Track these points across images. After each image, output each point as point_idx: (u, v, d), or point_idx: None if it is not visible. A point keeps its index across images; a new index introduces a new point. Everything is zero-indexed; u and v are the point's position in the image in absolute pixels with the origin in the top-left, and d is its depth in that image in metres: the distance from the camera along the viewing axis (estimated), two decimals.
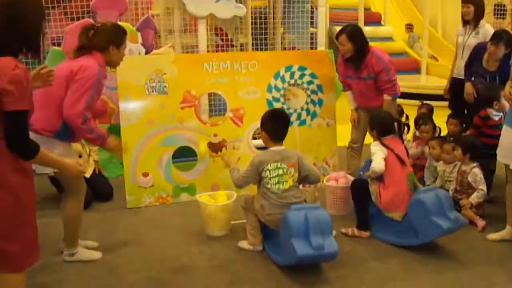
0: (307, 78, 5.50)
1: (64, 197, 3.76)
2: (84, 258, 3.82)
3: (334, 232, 4.02)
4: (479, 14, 5.65)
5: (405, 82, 9.12)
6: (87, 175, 4.97)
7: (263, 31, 6.89)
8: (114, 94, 5.46)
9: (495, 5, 9.90)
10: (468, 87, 5.35)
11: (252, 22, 6.84)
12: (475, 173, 4.51)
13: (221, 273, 3.70)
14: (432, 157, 5.00)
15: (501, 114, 4.83)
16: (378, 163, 4.15)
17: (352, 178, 4.69)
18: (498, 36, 5.14)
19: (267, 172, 3.86)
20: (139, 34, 6.12)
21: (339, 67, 5.27)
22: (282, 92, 5.44)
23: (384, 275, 3.66)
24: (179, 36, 6.27)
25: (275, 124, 4.00)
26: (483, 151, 4.61)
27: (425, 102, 6.43)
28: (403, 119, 6.00)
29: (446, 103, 6.14)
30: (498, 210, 4.57)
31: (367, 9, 12.75)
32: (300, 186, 4.07)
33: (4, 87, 2.41)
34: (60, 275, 3.64)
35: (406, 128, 5.64)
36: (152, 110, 5.01)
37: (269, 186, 3.86)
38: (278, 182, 3.85)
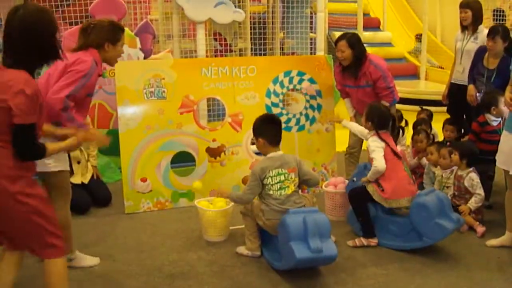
0: (306, 84, 5.49)
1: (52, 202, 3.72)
2: (82, 265, 3.80)
3: (333, 238, 4.01)
4: (477, 18, 5.65)
5: (404, 88, 9.10)
6: (85, 180, 4.97)
7: (262, 36, 6.88)
8: (112, 99, 5.45)
9: (494, 10, 9.89)
10: (471, 89, 5.35)
11: (251, 27, 6.83)
12: (471, 177, 4.50)
13: (219, 279, 3.69)
14: (430, 163, 4.99)
15: (500, 119, 4.83)
16: (380, 162, 4.14)
17: None
18: (494, 30, 5.17)
19: (269, 179, 3.84)
20: (137, 39, 6.12)
21: (336, 76, 5.28)
22: (281, 97, 5.43)
23: (383, 281, 3.65)
24: (178, 41, 6.26)
25: (272, 128, 3.99)
26: (481, 157, 4.61)
27: (424, 107, 6.43)
28: (402, 124, 5.98)
29: (445, 108, 6.13)
30: (497, 216, 4.57)
31: (366, 15, 12.76)
32: (300, 192, 4.06)
33: (12, 100, 2.52)
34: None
35: (401, 131, 5.62)
36: (151, 115, 5.00)
37: (271, 192, 3.84)
38: (280, 188, 3.84)
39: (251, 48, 6.89)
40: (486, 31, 5.37)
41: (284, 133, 5.30)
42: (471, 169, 4.54)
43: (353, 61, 4.94)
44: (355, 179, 4.44)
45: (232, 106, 5.26)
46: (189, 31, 6.58)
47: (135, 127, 4.95)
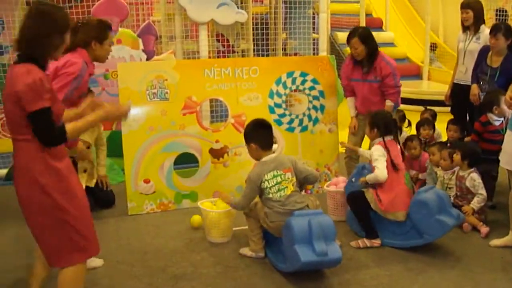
0: (309, 84, 5.49)
1: None
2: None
3: (338, 242, 4.01)
4: (478, 19, 5.65)
5: (406, 88, 9.06)
6: (91, 184, 4.96)
7: (264, 37, 6.89)
8: (115, 101, 5.45)
9: (497, 10, 9.90)
10: (474, 89, 5.33)
11: (253, 28, 6.84)
12: (473, 178, 4.48)
13: (223, 280, 3.69)
14: (433, 163, 4.98)
15: (502, 119, 4.83)
16: (382, 172, 4.13)
17: None
18: (496, 27, 5.18)
19: (266, 183, 3.84)
20: (140, 40, 6.13)
21: (345, 69, 5.25)
22: (284, 98, 5.43)
23: (387, 282, 3.64)
24: (180, 42, 6.27)
25: (263, 132, 3.98)
26: (484, 157, 4.60)
27: (428, 107, 6.42)
28: (405, 124, 5.98)
29: (448, 108, 6.13)
30: (501, 216, 4.56)
31: (368, 15, 12.79)
32: (303, 192, 4.06)
33: (20, 90, 2.60)
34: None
35: (398, 131, 5.60)
36: (154, 117, 5.01)
37: (270, 196, 3.84)
38: (279, 190, 3.83)
39: (254, 49, 6.91)
40: (488, 31, 5.37)
41: (287, 134, 5.38)
42: (472, 169, 4.53)
43: (366, 56, 4.96)
44: (353, 179, 4.43)
45: (235, 107, 5.27)
46: (192, 32, 6.59)
47: (138, 128, 4.95)
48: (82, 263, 2.93)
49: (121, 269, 3.83)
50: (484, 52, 5.36)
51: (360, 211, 4.24)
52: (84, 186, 4.88)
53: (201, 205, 4.36)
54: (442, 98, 6.18)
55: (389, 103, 5.00)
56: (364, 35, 4.94)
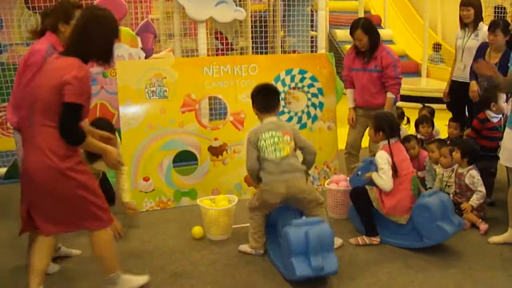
0: (307, 81, 5.48)
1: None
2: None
3: (341, 241, 4.02)
4: (478, 16, 5.67)
5: (405, 85, 9.04)
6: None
7: (263, 35, 6.89)
8: (114, 99, 5.46)
9: (495, 7, 9.91)
10: (473, 85, 5.34)
11: (252, 26, 6.84)
12: (472, 175, 4.49)
13: (222, 278, 3.69)
14: (432, 160, 4.98)
15: (500, 116, 4.84)
16: (388, 183, 4.10)
17: None
18: (495, 23, 5.19)
19: (262, 142, 3.86)
20: (138, 39, 6.11)
21: (347, 59, 5.29)
22: (282, 95, 5.43)
23: (386, 279, 3.65)
24: (179, 40, 6.27)
25: (263, 96, 4.03)
26: (483, 154, 4.61)
27: (426, 104, 6.42)
28: (404, 122, 5.99)
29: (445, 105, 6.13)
30: (500, 213, 4.57)
31: (367, 12, 12.75)
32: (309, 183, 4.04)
33: (67, 79, 2.80)
34: (60, 281, 3.64)
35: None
36: (153, 115, 5.01)
37: (266, 155, 3.85)
38: (275, 150, 3.85)
39: (252, 47, 6.91)
40: (486, 27, 5.37)
41: None
42: (471, 166, 4.53)
43: (369, 46, 5.00)
44: (359, 172, 4.40)
45: (234, 105, 5.26)
46: (190, 30, 6.59)
47: (137, 126, 4.95)
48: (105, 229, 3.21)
49: (120, 267, 3.82)
50: (482, 48, 5.36)
51: (362, 208, 4.23)
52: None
53: (200, 203, 4.35)
54: (441, 95, 6.19)
55: (390, 95, 5.00)
56: (367, 26, 4.98)
